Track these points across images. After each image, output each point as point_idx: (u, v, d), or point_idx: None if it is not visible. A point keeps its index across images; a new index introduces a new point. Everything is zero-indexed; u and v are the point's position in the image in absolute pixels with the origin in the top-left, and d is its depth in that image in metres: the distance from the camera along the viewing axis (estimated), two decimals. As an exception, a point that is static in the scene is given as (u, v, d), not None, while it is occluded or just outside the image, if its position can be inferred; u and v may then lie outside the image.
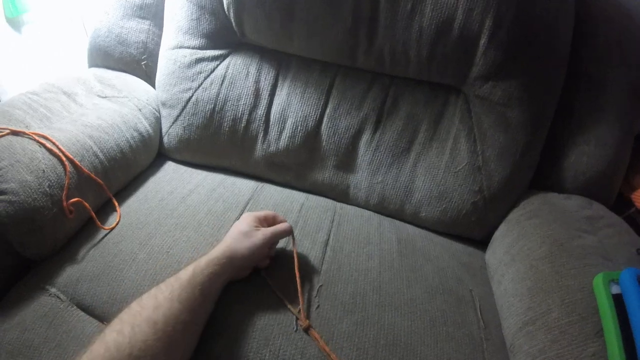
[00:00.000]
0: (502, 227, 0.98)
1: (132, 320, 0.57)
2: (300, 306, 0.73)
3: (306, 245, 0.86)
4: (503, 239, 0.95)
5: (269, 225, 0.79)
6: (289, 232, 0.81)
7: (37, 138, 0.79)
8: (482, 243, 1.02)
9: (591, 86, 0.96)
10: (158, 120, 1.08)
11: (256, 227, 0.76)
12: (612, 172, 0.97)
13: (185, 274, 0.64)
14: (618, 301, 0.66)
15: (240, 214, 0.90)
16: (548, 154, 0.99)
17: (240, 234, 0.74)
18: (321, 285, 0.79)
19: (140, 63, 1.12)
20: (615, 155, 0.96)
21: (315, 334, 0.70)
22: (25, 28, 1.30)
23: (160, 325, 0.57)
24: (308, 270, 0.81)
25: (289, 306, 0.74)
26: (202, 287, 0.64)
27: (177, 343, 0.59)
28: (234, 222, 0.84)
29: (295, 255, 0.80)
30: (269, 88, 1.02)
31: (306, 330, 0.71)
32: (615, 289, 0.68)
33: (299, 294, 0.75)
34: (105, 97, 1.01)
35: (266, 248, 0.76)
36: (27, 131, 0.79)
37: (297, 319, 0.72)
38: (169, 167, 1.07)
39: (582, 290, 0.71)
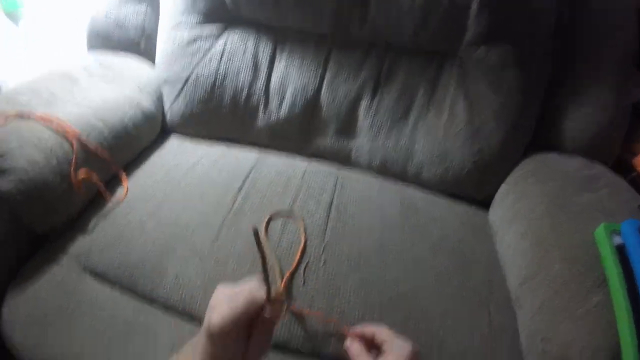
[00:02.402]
0: (503, 187, 0.99)
1: None
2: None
3: (311, 206, 0.88)
4: (504, 198, 0.97)
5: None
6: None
7: (42, 119, 0.81)
8: (483, 204, 1.03)
9: (591, 50, 0.97)
10: (160, 98, 1.09)
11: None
12: (611, 134, 0.98)
13: None
14: (620, 251, 0.67)
15: (243, 183, 0.92)
16: (547, 115, 1.00)
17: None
18: (327, 243, 0.81)
19: (139, 45, 1.13)
20: (614, 117, 0.97)
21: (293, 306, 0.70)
22: (23, 21, 1.31)
23: None
24: (313, 230, 0.83)
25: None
26: None
27: None
28: (238, 191, 0.88)
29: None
30: (267, 61, 1.04)
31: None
32: (617, 240, 0.68)
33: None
34: (107, 79, 1.02)
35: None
36: (32, 113, 0.81)
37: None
38: (173, 142, 1.09)
39: (583, 243, 0.72)
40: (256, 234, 0.47)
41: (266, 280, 0.52)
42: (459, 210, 1.00)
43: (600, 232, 0.70)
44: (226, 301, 0.52)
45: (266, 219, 0.83)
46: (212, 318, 0.50)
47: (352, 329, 0.64)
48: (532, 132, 1.00)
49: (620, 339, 0.60)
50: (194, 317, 0.72)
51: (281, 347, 0.70)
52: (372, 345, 0.61)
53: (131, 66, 1.09)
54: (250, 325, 0.53)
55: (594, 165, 0.95)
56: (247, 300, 0.51)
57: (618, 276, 0.64)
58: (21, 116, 0.80)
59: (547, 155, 0.99)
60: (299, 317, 0.70)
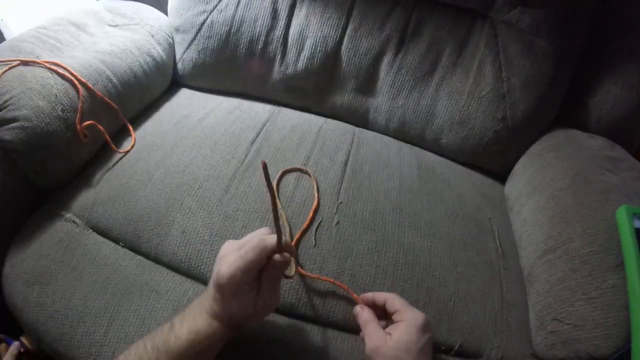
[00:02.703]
0: (524, 159, 0.96)
1: None
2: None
3: (325, 164, 0.85)
4: (524, 170, 0.93)
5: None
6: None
7: (48, 65, 0.78)
8: (501, 177, 1.00)
9: (623, 26, 0.91)
10: (171, 47, 1.05)
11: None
12: (637, 116, 0.94)
13: (177, 343, 0.50)
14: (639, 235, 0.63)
15: (257, 136, 0.89)
16: (574, 91, 0.96)
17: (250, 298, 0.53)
18: (340, 202, 0.78)
19: (151, -9, 1.09)
20: None
21: (300, 269, 0.67)
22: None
23: None
24: (327, 188, 0.80)
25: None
26: (202, 355, 0.52)
27: None
28: (251, 143, 0.85)
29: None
30: (287, 8, 0.98)
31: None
32: (637, 224, 0.65)
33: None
34: (117, 25, 0.98)
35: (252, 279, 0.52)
36: (37, 60, 0.78)
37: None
38: (184, 94, 1.06)
39: (604, 222, 0.68)
40: (265, 168, 0.44)
41: (277, 224, 0.50)
42: (475, 180, 0.97)
43: (621, 213, 0.67)
44: (235, 250, 0.51)
45: (279, 175, 0.80)
46: (221, 268, 0.50)
47: (363, 295, 0.62)
48: (559, 105, 0.96)
49: (632, 324, 0.58)
50: (200, 276, 0.70)
51: (288, 312, 0.67)
52: (383, 313, 0.60)
53: (142, 13, 1.05)
54: (259, 276, 0.52)
55: (615, 147, 0.91)
56: (257, 246, 0.50)
57: (636, 259, 0.61)
58: (25, 63, 0.76)
59: (570, 132, 0.96)
60: (308, 281, 0.68)
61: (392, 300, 0.58)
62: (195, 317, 0.53)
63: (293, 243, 0.69)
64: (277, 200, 0.45)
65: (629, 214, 0.66)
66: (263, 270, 0.51)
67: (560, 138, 0.94)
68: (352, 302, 0.64)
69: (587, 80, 0.95)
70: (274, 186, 0.77)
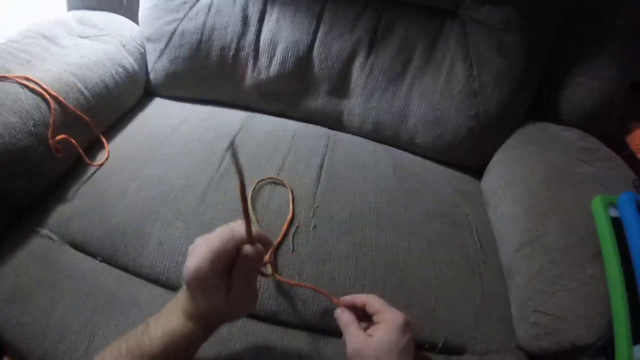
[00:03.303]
0: (499, 155, 0.97)
1: None
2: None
3: (300, 168, 0.85)
4: (499, 165, 0.95)
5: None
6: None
7: (18, 80, 0.76)
8: (477, 172, 1.01)
9: (595, 21, 0.94)
10: (143, 57, 1.05)
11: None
12: (609, 107, 0.97)
13: (151, 346, 0.48)
14: (616, 224, 0.65)
15: (231, 142, 0.89)
16: (546, 84, 0.98)
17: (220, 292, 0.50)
18: (317, 206, 0.78)
19: (121, 1, 1.07)
20: (613, 91, 0.95)
21: (277, 276, 0.66)
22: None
23: None
24: (303, 193, 0.80)
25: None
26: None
27: None
28: (225, 151, 0.84)
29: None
30: (258, 14, 0.98)
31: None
32: (613, 213, 0.67)
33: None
34: (87, 37, 0.97)
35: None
36: (8, 75, 0.76)
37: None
38: (157, 103, 1.05)
39: (580, 213, 0.70)
40: (234, 153, 0.42)
41: (245, 209, 0.46)
42: (452, 177, 0.99)
43: (597, 203, 0.69)
44: (202, 243, 0.48)
45: (253, 186, 0.79)
46: (189, 262, 0.47)
47: (343, 298, 0.62)
48: (532, 99, 0.97)
49: (613, 313, 0.59)
50: (180, 287, 0.68)
51: (270, 319, 0.67)
52: (364, 315, 0.60)
53: (113, 23, 1.04)
54: (230, 270, 0.49)
55: (589, 138, 0.93)
56: (225, 236, 0.47)
57: (613, 248, 0.63)
58: (-5, 78, 0.75)
59: (544, 125, 0.98)
60: (287, 287, 0.68)
61: (372, 302, 0.58)
62: (170, 318, 0.51)
63: (267, 257, 0.68)
64: (244, 187, 0.41)
65: (604, 204, 0.68)
66: (234, 264, 0.48)
67: (534, 131, 0.96)
68: (333, 306, 0.64)
69: (559, 73, 0.97)
70: (249, 193, 0.77)
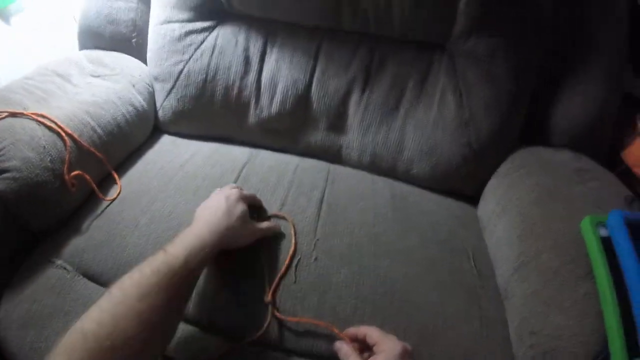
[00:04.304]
0: (493, 181, 1.00)
1: (114, 310, 0.52)
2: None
3: (302, 202, 0.89)
4: (494, 191, 0.97)
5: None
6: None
7: (35, 117, 0.81)
8: (473, 199, 1.04)
9: (581, 42, 0.97)
10: (152, 95, 1.09)
11: (244, 214, 0.74)
12: (600, 126, 0.99)
13: (176, 261, 0.58)
14: (607, 243, 0.67)
15: (237, 179, 0.93)
16: (536, 108, 1.00)
17: (239, 221, 0.72)
18: (318, 239, 0.81)
19: (130, 41, 1.13)
20: (603, 109, 0.97)
21: (277, 313, 0.71)
22: (14, 18, 1.30)
23: (145, 316, 0.53)
24: (305, 226, 0.84)
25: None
26: (193, 277, 0.62)
27: (160, 333, 0.56)
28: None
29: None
30: (259, 55, 1.03)
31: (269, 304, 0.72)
32: (603, 232, 0.69)
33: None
34: (99, 76, 1.02)
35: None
36: (25, 112, 0.81)
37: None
38: (166, 140, 1.09)
39: (571, 233, 0.72)
40: None
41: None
42: (448, 205, 1.01)
43: (585, 224, 0.71)
44: (257, 235, 0.76)
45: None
46: (238, 242, 0.73)
47: (346, 331, 0.66)
48: (522, 124, 1.00)
49: (607, 330, 0.61)
50: (189, 316, 0.72)
51: (273, 347, 0.70)
52: (365, 346, 0.63)
53: (123, 63, 1.09)
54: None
55: (582, 158, 0.96)
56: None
57: (604, 268, 0.64)
58: (14, 115, 0.80)
59: (536, 149, 1.00)
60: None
61: (371, 333, 0.62)
62: (183, 239, 0.63)
63: (270, 294, 0.72)
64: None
65: (592, 224, 0.70)
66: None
67: (526, 155, 0.98)
68: (336, 337, 0.67)
69: (547, 95, 1.00)
70: None
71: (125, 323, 0.51)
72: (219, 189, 0.81)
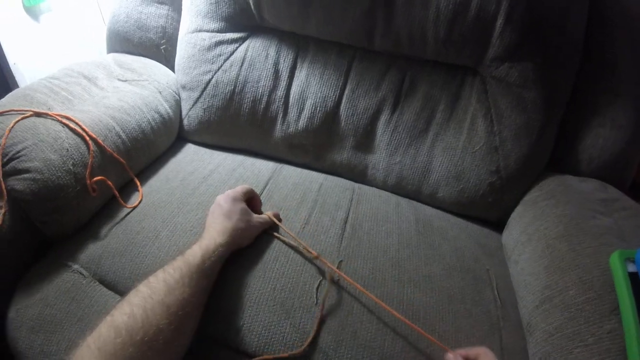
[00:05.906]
0: (519, 209, 0.98)
1: (144, 304, 0.56)
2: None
3: (326, 222, 0.87)
4: (520, 219, 0.95)
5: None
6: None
7: (60, 119, 0.80)
8: (498, 225, 1.02)
9: (606, 69, 0.95)
10: (178, 103, 1.09)
11: (245, 212, 0.78)
12: (628, 155, 0.97)
13: (195, 259, 0.64)
14: (634, 279, 0.66)
15: (261, 194, 0.92)
16: (563, 136, 0.99)
17: (241, 221, 0.75)
18: (341, 261, 0.80)
19: (159, 47, 1.13)
20: (631, 138, 0.95)
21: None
22: (44, 16, 1.31)
23: (173, 309, 0.57)
24: (328, 247, 0.82)
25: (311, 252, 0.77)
26: (210, 272, 0.66)
27: (186, 326, 0.61)
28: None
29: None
30: (288, 70, 1.03)
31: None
32: (631, 267, 0.68)
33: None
34: (126, 80, 1.02)
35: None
36: (50, 112, 0.81)
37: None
38: (189, 149, 1.08)
39: (598, 268, 0.71)
40: None
41: None
42: (473, 231, 0.99)
43: (614, 258, 0.69)
44: (259, 227, 0.79)
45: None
46: (246, 237, 0.76)
47: (457, 350, 0.66)
48: (550, 152, 0.99)
49: None
50: (203, 331, 0.70)
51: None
52: None
53: (151, 69, 1.09)
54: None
55: (608, 188, 0.94)
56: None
57: (630, 304, 0.63)
58: (38, 115, 0.80)
59: (562, 177, 0.98)
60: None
61: (485, 355, 0.62)
62: (200, 241, 0.69)
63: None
64: None
65: (621, 259, 0.68)
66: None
67: (553, 185, 0.96)
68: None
69: (576, 125, 0.98)
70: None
71: (155, 316, 0.55)
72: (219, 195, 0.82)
